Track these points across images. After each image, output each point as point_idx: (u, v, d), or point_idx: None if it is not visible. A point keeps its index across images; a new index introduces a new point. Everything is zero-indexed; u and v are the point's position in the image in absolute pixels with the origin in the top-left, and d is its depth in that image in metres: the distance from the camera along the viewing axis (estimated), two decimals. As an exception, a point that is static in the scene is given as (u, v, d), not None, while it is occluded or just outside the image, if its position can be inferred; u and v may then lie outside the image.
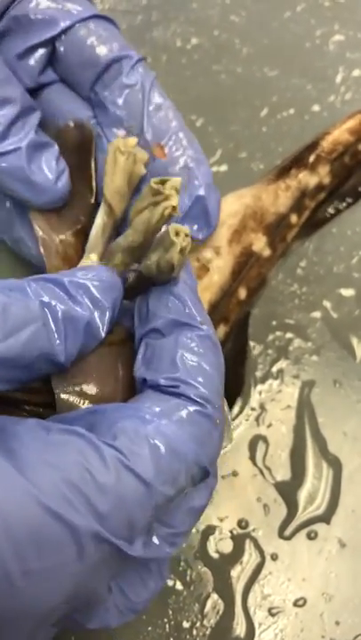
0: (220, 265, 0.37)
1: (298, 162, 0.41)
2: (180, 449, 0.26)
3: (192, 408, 0.27)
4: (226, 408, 0.30)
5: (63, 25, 0.35)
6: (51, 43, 0.35)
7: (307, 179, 0.40)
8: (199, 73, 0.52)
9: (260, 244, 0.38)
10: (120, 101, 0.35)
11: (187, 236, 0.29)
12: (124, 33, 0.38)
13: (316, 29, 0.55)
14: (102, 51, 0.35)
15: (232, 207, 0.38)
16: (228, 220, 0.38)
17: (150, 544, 0.27)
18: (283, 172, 0.41)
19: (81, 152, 0.36)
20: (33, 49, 0.35)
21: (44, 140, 0.35)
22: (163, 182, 0.30)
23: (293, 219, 0.40)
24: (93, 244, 0.34)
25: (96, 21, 0.36)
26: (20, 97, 0.34)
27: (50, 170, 0.34)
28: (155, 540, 0.27)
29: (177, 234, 0.29)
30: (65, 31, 0.35)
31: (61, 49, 0.35)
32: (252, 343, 0.42)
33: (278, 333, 0.43)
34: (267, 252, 0.39)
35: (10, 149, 0.33)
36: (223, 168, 0.47)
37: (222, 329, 0.37)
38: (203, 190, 0.35)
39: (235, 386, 0.40)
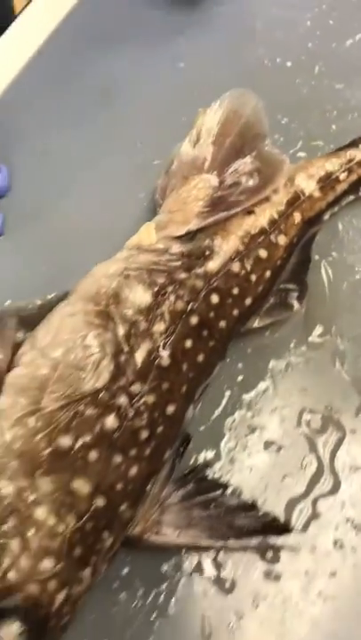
0: (277, 199, 0.52)
1: (351, 144, 0.57)
2: None
3: None
4: None
5: None
6: None
7: (355, 153, 0.56)
8: (283, 85, 0.66)
9: (310, 187, 0.53)
10: None
11: None
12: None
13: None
14: None
15: (291, 166, 0.53)
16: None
17: None
18: (337, 150, 0.57)
19: None
20: None
21: None
22: None
23: (342, 176, 0.55)
24: None
25: None
26: None
27: None
28: None
29: None
30: None
31: None
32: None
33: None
34: (317, 194, 0.54)
35: None
36: (302, 154, 0.60)
37: (283, 239, 0.51)
38: None
39: (300, 289, 0.52)
